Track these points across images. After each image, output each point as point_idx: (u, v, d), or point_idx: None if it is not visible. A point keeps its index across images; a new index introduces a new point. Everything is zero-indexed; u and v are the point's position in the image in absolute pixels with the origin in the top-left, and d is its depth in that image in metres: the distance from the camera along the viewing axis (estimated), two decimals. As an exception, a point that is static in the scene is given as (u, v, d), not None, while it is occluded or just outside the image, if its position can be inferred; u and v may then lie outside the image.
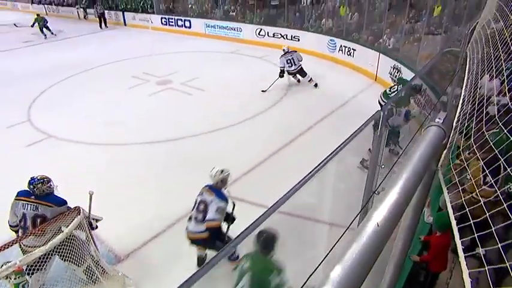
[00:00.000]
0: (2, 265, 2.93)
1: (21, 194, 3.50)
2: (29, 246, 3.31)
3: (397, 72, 8.68)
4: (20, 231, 3.49)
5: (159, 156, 6.30)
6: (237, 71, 11.05)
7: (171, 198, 5.07)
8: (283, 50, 9.06)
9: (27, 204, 3.42)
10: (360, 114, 6.73)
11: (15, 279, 3.09)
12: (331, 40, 11.84)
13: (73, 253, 3.39)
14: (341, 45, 11.41)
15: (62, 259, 3.42)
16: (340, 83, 9.67)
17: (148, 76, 10.57)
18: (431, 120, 1.06)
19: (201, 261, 4.05)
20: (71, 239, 3.38)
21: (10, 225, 3.59)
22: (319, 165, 1.27)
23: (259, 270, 2.72)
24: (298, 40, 13.03)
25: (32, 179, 3.48)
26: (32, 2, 26.86)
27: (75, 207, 3.54)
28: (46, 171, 5.63)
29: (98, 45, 15.42)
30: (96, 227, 3.84)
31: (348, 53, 11.11)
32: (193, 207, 3.78)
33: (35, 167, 5.95)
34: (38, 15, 17.39)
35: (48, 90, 9.78)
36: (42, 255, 3.06)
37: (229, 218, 3.86)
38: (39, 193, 3.43)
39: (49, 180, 3.54)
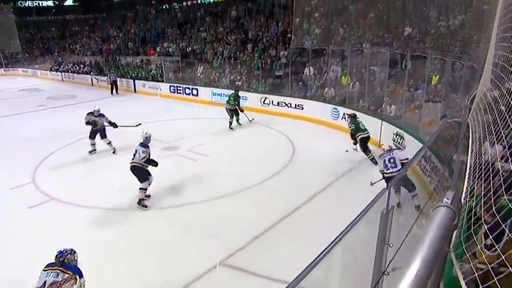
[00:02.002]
0: None
1: (48, 265, 3.61)
2: None
3: (401, 139, 8.79)
4: None
5: (162, 223, 6.18)
6: (241, 138, 11.24)
7: (172, 267, 4.90)
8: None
9: (51, 272, 3.51)
10: (365, 182, 6.72)
11: None
12: (334, 108, 12.15)
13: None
14: (344, 113, 11.67)
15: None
16: (345, 149, 9.77)
17: (155, 142, 10.73)
18: (438, 201, 1.03)
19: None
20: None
21: None
22: (326, 248, 1.23)
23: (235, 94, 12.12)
24: (302, 108, 13.38)
25: (60, 251, 3.66)
26: (51, 70, 28.57)
27: (72, 276, 3.45)
28: (46, 234, 5.57)
29: (108, 111, 15.88)
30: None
31: (351, 121, 11.31)
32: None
33: (34, 229, 5.91)
34: None
35: (56, 153, 9.93)
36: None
37: (152, 162, 6.79)
38: (68, 263, 3.60)
39: (75, 252, 3.76)
